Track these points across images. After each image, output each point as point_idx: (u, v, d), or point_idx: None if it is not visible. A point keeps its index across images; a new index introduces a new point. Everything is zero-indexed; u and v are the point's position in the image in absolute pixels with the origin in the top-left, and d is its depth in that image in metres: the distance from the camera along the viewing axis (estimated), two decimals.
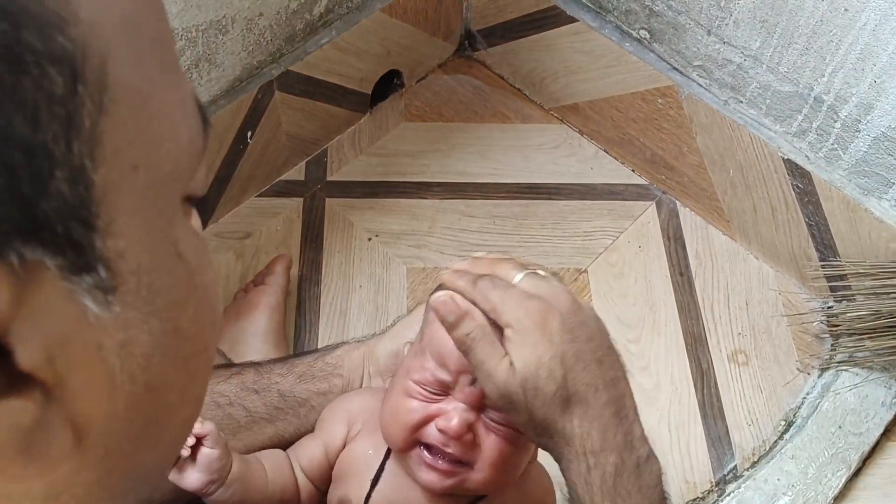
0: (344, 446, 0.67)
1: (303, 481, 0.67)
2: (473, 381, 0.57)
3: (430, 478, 0.60)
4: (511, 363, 0.52)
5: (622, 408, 0.54)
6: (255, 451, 0.67)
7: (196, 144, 0.26)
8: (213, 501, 0.61)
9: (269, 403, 0.69)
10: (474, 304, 0.55)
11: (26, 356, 0.21)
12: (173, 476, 0.59)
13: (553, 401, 0.52)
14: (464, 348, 0.54)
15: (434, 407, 0.59)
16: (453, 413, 0.58)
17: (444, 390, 0.59)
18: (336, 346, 0.75)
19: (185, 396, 0.28)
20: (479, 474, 0.59)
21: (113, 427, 0.25)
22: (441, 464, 0.59)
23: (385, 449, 0.65)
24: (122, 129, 0.22)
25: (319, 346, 1.00)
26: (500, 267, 0.57)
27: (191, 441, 0.58)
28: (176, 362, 0.26)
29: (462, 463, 0.59)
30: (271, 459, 0.66)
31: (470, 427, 0.58)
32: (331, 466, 0.67)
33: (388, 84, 1.23)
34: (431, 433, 0.59)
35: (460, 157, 1.20)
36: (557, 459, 0.55)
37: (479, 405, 0.58)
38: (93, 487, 0.25)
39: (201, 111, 0.27)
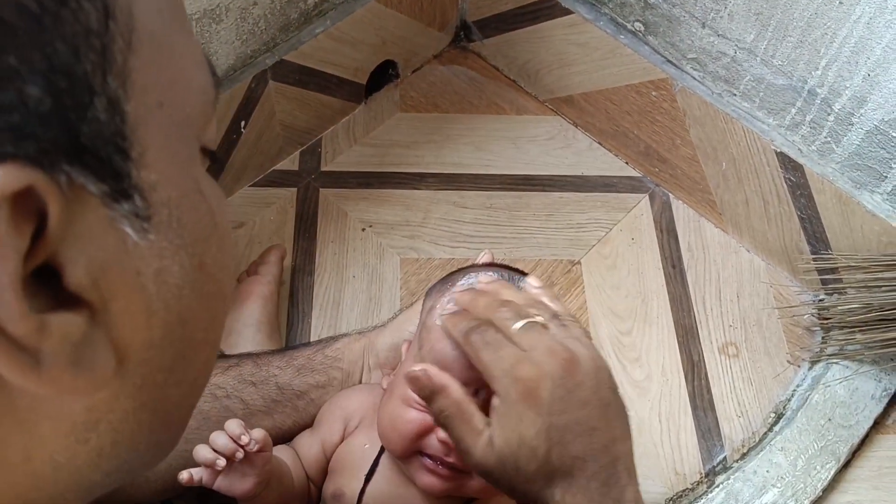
0: (341, 441, 0.67)
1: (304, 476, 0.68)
2: (476, 393, 0.55)
3: (430, 482, 0.60)
4: (491, 439, 0.49)
5: (612, 475, 0.50)
6: None
7: (208, 94, 0.28)
8: (249, 500, 0.61)
9: (266, 396, 0.69)
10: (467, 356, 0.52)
11: (74, 277, 0.23)
12: (222, 484, 0.58)
13: (534, 477, 0.49)
14: (439, 423, 0.52)
15: (431, 418, 0.58)
16: None
17: None
18: (335, 339, 0.74)
19: (207, 336, 0.30)
20: (477, 482, 0.59)
21: (149, 355, 0.27)
22: (442, 469, 0.59)
23: (381, 444, 0.65)
24: (147, 68, 0.24)
25: (312, 336, 1.00)
26: (498, 311, 0.53)
27: (241, 444, 0.57)
28: (201, 298, 0.28)
29: (462, 471, 0.59)
30: (287, 454, 0.67)
31: None
32: (327, 462, 0.68)
33: (383, 74, 1.23)
34: (432, 444, 0.59)
35: (455, 148, 1.20)
36: None
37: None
38: (128, 418, 0.27)
39: (210, 66, 0.29)
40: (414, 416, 0.59)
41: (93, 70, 0.23)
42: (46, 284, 0.23)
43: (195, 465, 0.60)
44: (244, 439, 0.56)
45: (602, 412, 0.50)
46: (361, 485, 0.64)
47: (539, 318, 0.53)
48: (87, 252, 0.23)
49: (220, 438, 0.56)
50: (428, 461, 0.60)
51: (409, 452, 0.60)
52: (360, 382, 0.72)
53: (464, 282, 0.64)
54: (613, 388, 0.53)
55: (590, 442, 0.49)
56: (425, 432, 0.59)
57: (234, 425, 0.57)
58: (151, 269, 0.25)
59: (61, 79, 0.22)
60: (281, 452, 0.67)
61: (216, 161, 0.28)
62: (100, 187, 0.23)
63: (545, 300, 0.57)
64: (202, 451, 0.57)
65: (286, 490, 0.64)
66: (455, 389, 0.51)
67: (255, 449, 0.57)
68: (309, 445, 0.67)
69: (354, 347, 0.73)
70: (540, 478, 0.49)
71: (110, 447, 0.27)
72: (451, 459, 0.58)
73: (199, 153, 0.28)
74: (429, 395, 0.52)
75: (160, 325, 0.26)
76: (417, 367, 0.52)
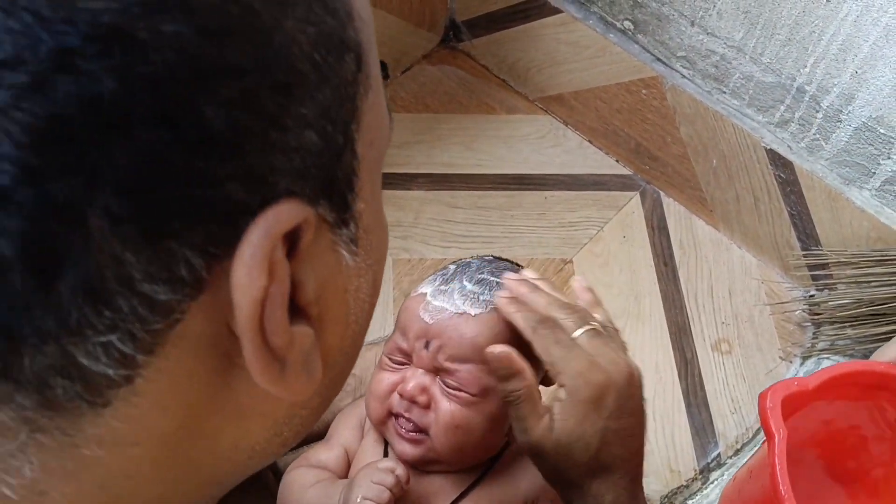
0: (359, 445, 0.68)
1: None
2: (427, 345, 0.60)
3: (401, 448, 0.62)
4: (551, 423, 0.54)
5: (635, 476, 0.57)
6: None
7: (390, 130, 0.32)
8: None
9: None
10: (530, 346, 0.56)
11: (305, 293, 0.26)
12: None
13: (581, 467, 0.54)
14: (507, 400, 0.55)
15: (398, 375, 0.62)
16: (409, 377, 0.61)
17: (407, 357, 0.62)
18: None
19: (363, 341, 0.34)
20: (435, 440, 0.61)
21: (339, 360, 0.31)
22: (407, 432, 0.61)
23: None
24: (369, 111, 0.28)
25: None
26: (558, 313, 0.57)
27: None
28: (369, 309, 0.32)
29: (422, 430, 0.61)
30: (317, 474, 0.68)
31: (424, 389, 0.60)
32: (349, 466, 0.69)
33: None
34: (395, 400, 0.61)
35: (445, 148, 1.20)
36: (566, 502, 0.57)
37: (433, 369, 0.60)
38: (313, 412, 0.32)
39: (389, 107, 0.32)
40: (384, 376, 0.62)
41: (346, 116, 0.26)
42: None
43: None
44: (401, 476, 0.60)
45: (641, 421, 0.57)
46: None
47: (597, 325, 0.57)
48: (315, 271, 0.26)
49: (388, 478, 0.59)
50: (396, 425, 0.62)
51: (383, 415, 0.62)
52: None
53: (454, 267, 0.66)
54: (644, 399, 0.58)
55: (629, 445, 0.55)
56: (392, 389, 0.62)
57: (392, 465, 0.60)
58: (353, 287, 0.29)
59: (329, 125, 0.25)
60: (310, 474, 0.67)
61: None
62: (333, 217, 0.27)
63: (593, 306, 0.61)
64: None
65: None
66: (530, 374, 0.55)
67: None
68: (331, 456, 0.68)
69: (367, 356, 0.74)
70: (585, 469, 0.54)
71: (293, 439, 0.32)
72: (408, 415, 0.61)
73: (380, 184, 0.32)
74: (506, 375, 0.55)
75: (350, 335, 0.31)
76: (500, 348, 0.55)
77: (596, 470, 0.54)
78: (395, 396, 0.61)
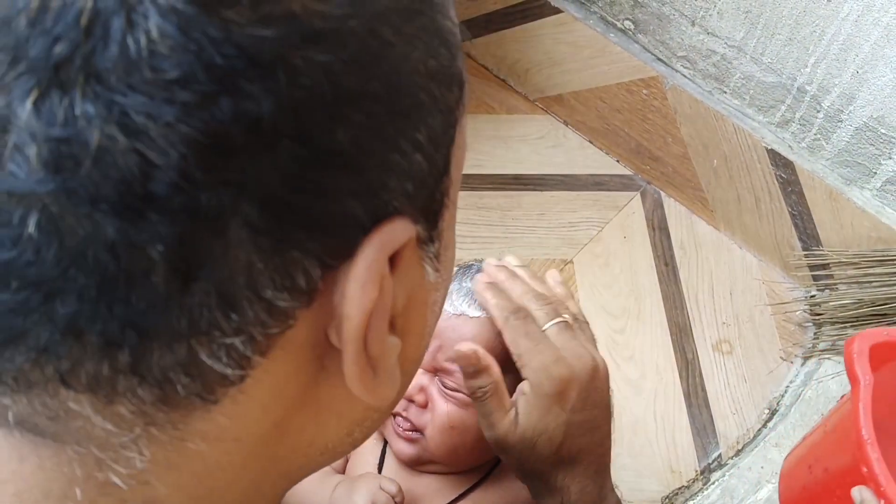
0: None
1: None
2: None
3: (398, 446, 0.62)
4: (516, 418, 0.55)
5: (601, 466, 0.58)
6: None
7: (465, 151, 0.33)
8: None
9: None
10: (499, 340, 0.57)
11: (395, 306, 0.27)
12: None
13: (545, 460, 0.55)
14: (474, 396, 0.56)
15: None
16: None
17: None
18: None
19: (426, 350, 0.36)
20: (430, 440, 0.61)
21: (410, 369, 0.33)
22: (403, 431, 0.62)
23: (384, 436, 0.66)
24: (459, 136, 0.29)
25: None
26: (532, 304, 0.59)
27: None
28: (436, 321, 0.34)
29: (417, 430, 0.62)
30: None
31: (422, 389, 0.61)
32: (345, 463, 0.69)
33: None
34: None
35: None
36: (535, 497, 0.58)
37: (432, 369, 0.61)
38: (382, 416, 0.34)
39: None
40: None
41: (448, 141, 0.28)
42: None
43: None
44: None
45: (604, 413, 0.58)
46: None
47: (567, 318, 0.59)
48: (404, 284, 0.28)
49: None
50: (394, 423, 0.62)
51: None
52: None
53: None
54: (609, 390, 0.60)
55: (592, 437, 0.57)
56: None
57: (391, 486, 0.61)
58: (431, 300, 0.31)
59: (434, 150, 0.26)
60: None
61: None
62: (425, 234, 0.28)
63: (565, 299, 0.63)
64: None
65: None
66: (497, 371, 0.56)
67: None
68: None
69: None
70: (549, 461, 0.55)
71: (361, 439, 0.33)
72: (405, 414, 0.61)
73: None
74: (473, 372, 0.56)
75: (424, 346, 0.33)
76: (466, 345, 0.56)
77: (561, 462, 0.56)
78: None
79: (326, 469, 0.66)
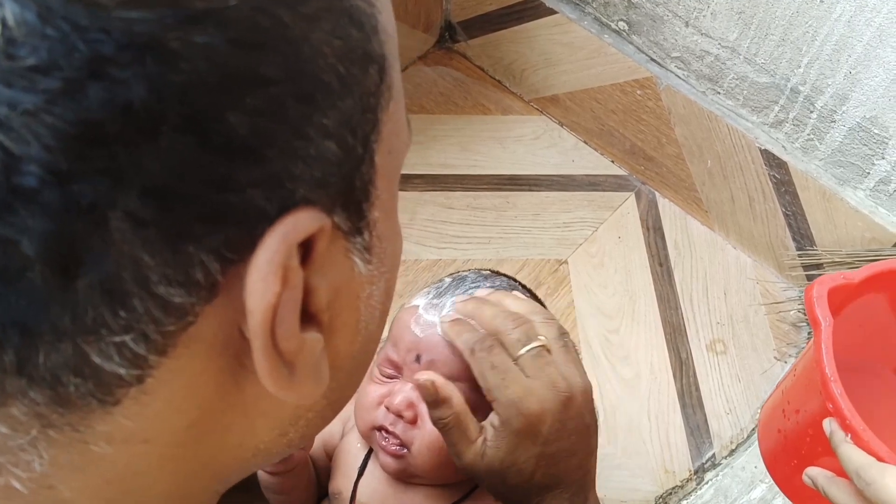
0: (339, 442, 0.68)
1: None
2: (417, 359, 0.59)
3: (384, 460, 0.61)
4: (483, 448, 0.54)
5: (581, 486, 0.56)
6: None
7: (409, 139, 0.32)
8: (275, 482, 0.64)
9: None
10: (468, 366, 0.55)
11: (318, 300, 0.27)
12: None
13: (516, 489, 0.54)
14: (438, 427, 0.55)
15: (386, 388, 0.61)
16: (397, 391, 0.60)
17: (397, 370, 0.61)
18: None
19: (376, 347, 0.34)
20: (417, 457, 0.60)
21: (347, 365, 0.31)
22: (389, 445, 0.61)
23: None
24: (389, 121, 0.28)
25: None
26: (504, 328, 0.56)
27: None
28: (381, 316, 0.33)
29: (404, 445, 0.61)
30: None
31: (411, 405, 0.59)
32: (328, 460, 0.68)
33: None
34: (381, 412, 0.61)
35: (440, 149, 1.20)
36: None
37: None
38: (319, 415, 0.32)
39: (407, 116, 0.33)
40: (372, 388, 0.62)
41: (367, 127, 0.26)
42: None
43: None
44: None
45: (584, 438, 0.56)
46: (354, 481, 0.65)
47: (543, 340, 0.55)
48: (328, 278, 0.27)
49: None
50: (380, 438, 0.61)
51: (369, 427, 0.62)
52: None
53: (451, 281, 0.65)
54: (593, 410, 0.57)
55: (569, 463, 0.55)
56: (379, 402, 0.61)
57: None
58: (365, 294, 0.30)
59: (349, 135, 0.25)
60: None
61: None
62: (348, 225, 0.27)
63: (544, 318, 0.59)
64: None
65: (309, 479, 0.67)
66: (458, 401, 0.54)
67: None
68: (313, 451, 0.68)
69: None
70: (521, 490, 0.54)
71: (299, 440, 0.32)
72: (393, 429, 0.60)
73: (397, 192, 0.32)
74: (433, 402, 0.54)
75: (360, 341, 0.31)
76: (424, 376, 0.54)
77: (531, 490, 0.54)
78: (382, 409, 0.60)
79: None
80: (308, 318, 0.27)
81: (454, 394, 0.54)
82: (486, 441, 0.53)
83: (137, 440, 0.26)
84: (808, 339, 1.03)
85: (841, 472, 0.55)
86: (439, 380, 0.54)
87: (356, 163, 0.26)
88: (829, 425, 0.56)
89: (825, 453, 0.58)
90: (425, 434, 0.59)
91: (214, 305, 0.24)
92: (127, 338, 0.23)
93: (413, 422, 0.60)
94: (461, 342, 0.56)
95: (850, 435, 0.54)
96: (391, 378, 0.62)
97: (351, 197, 0.27)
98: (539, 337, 0.56)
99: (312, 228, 0.25)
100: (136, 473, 0.27)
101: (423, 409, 0.59)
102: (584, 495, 0.57)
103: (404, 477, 0.62)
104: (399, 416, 0.60)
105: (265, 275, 0.24)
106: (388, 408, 0.60)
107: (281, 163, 0.24)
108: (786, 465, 0.65)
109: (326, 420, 0.34)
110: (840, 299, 0.63)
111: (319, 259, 0.26)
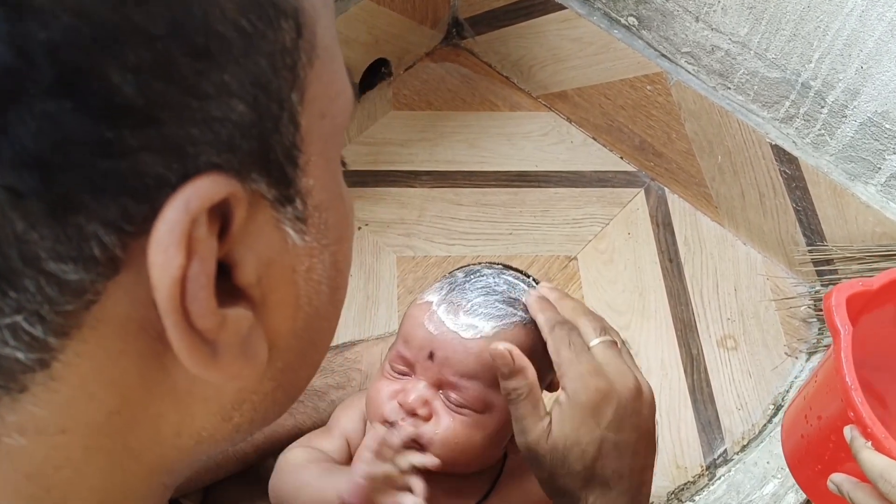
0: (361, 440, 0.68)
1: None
2: (431, 357, 0.59)
3: None
4: (549, 427, 0.53)
5: (638, 495, 0.55)
6: (275, 442, 0.68)
7: (351, 104, 0.30)
8: None
9: None
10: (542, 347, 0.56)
11: (244, 274, 0.25)
12: None
13: (576, 476, 0.53)
14: (508, 398, 0.55)
15: (399, 384, 0.61)
16: (411, 389, 0.60)
17: (410, 368, 0.61)
18: (354, 343, 0.75)
19: (330, 325, 0.32)
20: (431, 452, 0.59)
21: (291, 343, 0.29)
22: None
23: None
24: (318, 82, 0.26)
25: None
26: (581, 319, 0.57)
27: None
28: (331, 293, 0.31)
29: (418, 442, 0.60)
30: (315, 455, 0.68)
31: (426, 403, 0.59)
32: (351, 457, 0.68)
33: (376, 73, 1.22)
34: (392, 408, 0.60)
35: (448, 146, 1.19)
36: None
37: (437, 383, 0.59)
38: (267, 397, 0.30)
39: (351, 77, 0.31)
40: (384, 384, 0.61)
41: (284, 85, 0.24)
42: (218, 280, 0.24)
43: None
44: None
45: (646, 441, 0.55)
46: None
47: (615, 339, 0.57)
48: (255, 250, 0.25)
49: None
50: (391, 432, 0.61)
51: (380, 422, 0.61)
52: None
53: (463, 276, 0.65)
54: (655, 422, 0.57)
55: (630, 462, 0.54)
56: (391, 398, 0.61)
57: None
58: (303, 267, 0.28)
59: (261, 94, 0.23)
60: (306, 453, 0.67)
61: (345, 166, 0.32)
62: (272, 193, 0.25)
63: (616, 340, 0.60)
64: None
65: None
66: (532, 373, 0.54)
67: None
68: (337, 447, 0.68)
69: (373, 350, 0.74)
70: (580, 479, 0.53)
71: (248, 424, 0.30)
72: (405, 424, 0.59)
73: (340, 161, 0.30)
74: (508, 372, 0.54)
75: (303, 317, 0.29)
76: (503, 345, 0.54)
77: (592, 481, 0.53)
78: (394, 404, 0.60)
79: (321, 458, 0.65)
80: (236, 293, 0.26)
81: (529, 365, 0.54)
82: (552, 418, 0.53)
83: (53, 430, 0.24)
84: (819, 334, 1.03)
85: (864, 477, 0.55)
86: (516, 350, 0.54)
87: (272, 124, 0.24)
88: (850, 432, 0.57)
89: (848, 459, 0.58)
90: (441, 431, 0.59)
91: (120, 283, 0.23)
92: (19, 318, 0.22)
93: (428, 419, 0.59)
94: (544, 318, 0.56)
95: (871, 442, 0.55)
96: (403, 375, 0.61)
97: (270, 162, 0.25)
98: (612, 334, 0.57)
99: (219, 195, 0.23)
100: (58, 467, 0.25)
101: (437, 406, 0.59)
102: None
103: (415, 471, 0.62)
104: (413, 414, 0.59)
105: (166, 246, 0.22)
106: (401, 405, 0.59)
107: (177, 125, 0.22)
108: (810, 470, 0.65)
109: (279, 404, 0.32)
110: (859, 306, 0.63)
111: (240, 230, 0.24)
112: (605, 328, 0.57)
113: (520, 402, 0.54)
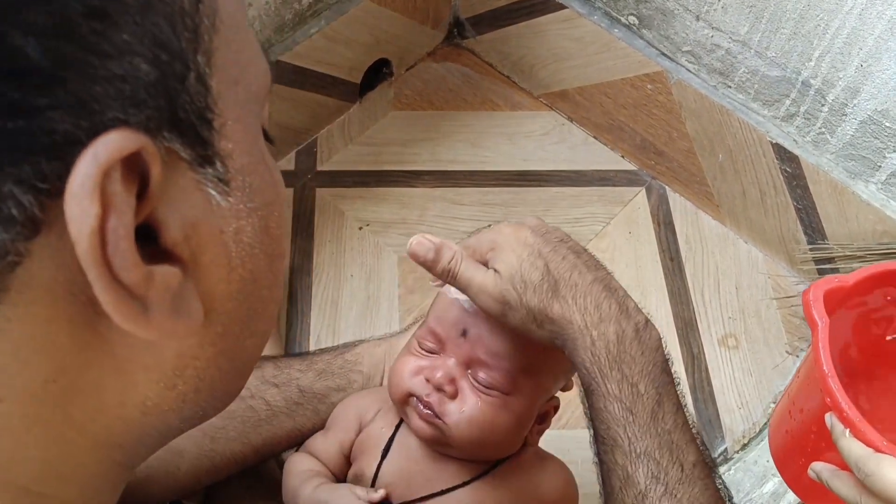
0: (357, 436, 0.68)
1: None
2: (464, 334, 0.60)
3: (417, 425, 0.62)
4: (496, 271, 0.55)
5: (610, 284, 0.56)
6: (275, 444, 0.69)
7: (268, 76, 0.31)
8: None
9: (288, 398, 0.69)
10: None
11: (170, 234, 0.26)
12: None
13: (542, 287, 0.54)
14: (450, 276, 0.56)
15: (427, 361, 0.62)
16: (440, 365, 0.61)
17: (440, 346, 0.62)
18: (356, 344, 0.75)
19: (271, 293, 0.33)
20: (455, 430, 0.60)
21: (229, 307, 0.30)
22: (423, 411, 0.61)
23: (395, 424, 0.66)
24: (225, 48, 0.27)
25: (312, 336, 1.01)
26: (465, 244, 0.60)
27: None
28: (266, 259, 0.31)
29: (439, 416, 0.61)
30: (310, 463, 0.69)
31: (453, 381, 0.60)
32: (345, 459, 0.69)
33: (377, 73, 1.23)
34: (418, 382, 0.62)
35: (450, 145, 1.20)
36: (563, 346, 0.55)
37: (468, 361, 0.60)
38: (210, 364, 0.31)
39: (265, 53, 0.31)
40: (412, 360, 0.63)
41: (187, 46, 0.26)
42: (146, 242, 0.25)
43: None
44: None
45: (581, 248, 0.58)
46: (378, 462, 0.65)
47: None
48: (180, 211, 0.26)
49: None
50: (417, 404, 0.62)
51: (404, 396, 0.63)
52: (381, 386, 0.73)
53: None
54: (572, 244, 0.60)
55: (579, 260, 0.56)
56: (418, 373, 0.62)
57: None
58: (231, 228, 0.29)
59: (163, 53, 0.25)
60: (304, 461, 0.67)
61: (271, 141, 0.33)
62: (189, 153, 0.26)
63: None
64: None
65: None
66: (454, 244, 0.57)
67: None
68: (326, 450, 0.68)
69: (375, 352, 0.74)
70: (546, 286, 0.54)
71: (193, 393, 0.31)
72: (428, 398, 0.61)
73: (261, 130, 0.31)
74: (434, 255, 0.56)
75: (237, 280, 0.30)
76: (414, 237, 0.57)
77: (558, 284, 0.54)
78: (420, 379, 0.61)
79: (318, 469, 0.66)
80: (164, 254, 0.26)
81: (446, 241, 0.57)
82: (493, 266, 0.56)
83: None
84: None
85: (844, 465, 0.56)
86: (427, 236, 0.57)
87: (178, 83, 0.25)
88: (830, 419, 0.58)
89: (828, 448, 0.59)
90: (466, 409, 0.60)
91: (44, 245, 0.23)
92: None
93: (454, 397, 0.61)
94: (428, 241, 0.58)
95: (848, 430, 0.55)
96: (431, 353, 0.62)
97: (182, 121, 0.26)
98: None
99: (128, 149, 0.23)
100: None
101: (464, 385, 0.60)
102: (622, 292, 0.57)
103: (437, 445, 0.63)
104: (440, 389, 0.60)
105: (80, 199, 0.23)
106: (428, 380, 0.61)
107: (81, 84, 0.23)
108: (794, 464, 0.66)
109: (224, 371, 0.32)
110: (836, 301, 0.65)
111: (160, 188, 0.25)
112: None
113: (460, 268, 0.56)
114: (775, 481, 0.91)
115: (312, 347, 1.00)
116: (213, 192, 0.27)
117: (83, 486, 0.29)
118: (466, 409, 0.60)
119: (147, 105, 0.24)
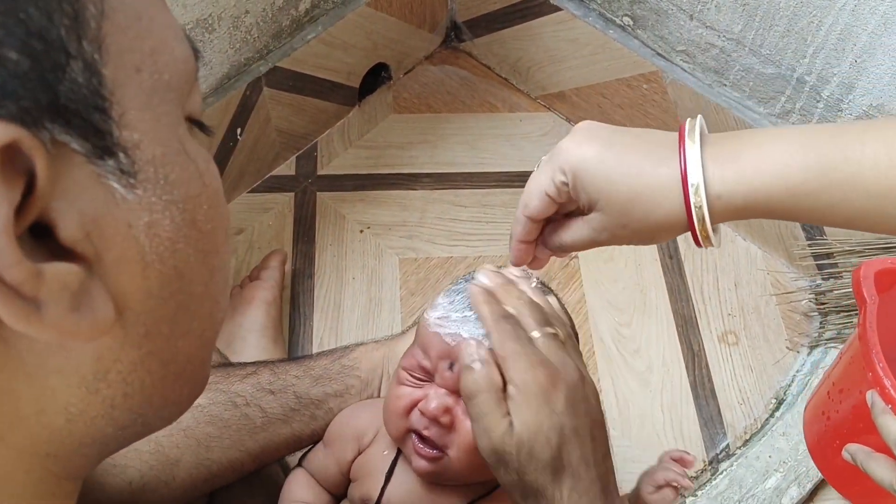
0: (355, 458, 0.68)
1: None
2: (451, 366, 0.59)
3: (419, 464, 0.61)
4: (511, 423, 0.52)
5: (608, 484, 0.55)
6: (272, 451, 0.68)
7: (189, 63, 0.30)
8: None
9: (285, 405, 0.69)
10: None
11: (66, 231, 0.25)
12: None
13: (546, 468, 0.52)
14: (468, 394, 0.54)
15: (419, 392, 0.61)
16: (433, 396, 0.60)
17: (428, 376, 0.61)
18: (353, 349, 0.75)
19: (207, 290, 0.31)
20: (454, 460, 0.60)
21: (149, 305, 0.28)
22: (425, 449, 0.61)
23: (396, 448, 0.66)
24: (121, 34, 0.26)
25: (314, 338, 1.01)
26: (524, 310, 0.57)
27: None
28: (197, 254, 0.30)
29: (440, 448, 0.61)
30: (305, 481, 0.70)
31: (447, 410, 0.60)
32: (344, 477, 0.68)
33: (376, 77, 1.24)
34: (415, 417, 0.61)
35: (449, 148, 1.20)
36: None
37: (458, 390, 0.59)
38: (136, 368, 0.29)
39: (189, 40, 0.31)
40: (403, 392, 0.62)
41: (67, 34, 0.24)
42: (42, 241, 0.25)
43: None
44: None
45: (599, 427, 0.56)
46: (381, 486, 0.65)
47: (557, 331, 0.57)
48: (76, 206, 0.25)
49: None
50: (416, 442, 0.62)
51: (402, 431, 0.62)
52: (380, 390, 0.72)
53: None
54: (602, 413, 0.57)
55: (592, 449, 0.54)
56: (412, 406, 0.61)
57: None
58: (142, 223, 0.27)
59: (37, 42, 0.23)
60: (299, 481, 0.68)
61: (207, 131, 0.32)
62: (83, 145, 0.25)
63: (560, 332, 0.60)
64: None
65: None
66: (495, 369, 0.54)
67: None
68: (325, 466, 0.69)
69: (374, 356, 0.73)
70: (550, 470, 0.52)
71: (122, 398, 0.29)
72: (428, 433, 0.60)
73: (184, 120, 0.30)
74: (471, 364, 0.54)
75: (156, 277, 0.28)
76: (473, 340, 0.55)
77: (561, 471, 0.52)
78: (416, 413, 0.61)
79: (317, 490, 0.66)
80: (63, 252, 0.25)
81: (491, 360, 0.54)
82: (510, 414, 0.53)
83: None
84: (821, 328, 1.03)
85: (881, 448, 0.55)
86: (485, 344, 0.55)
87: (56, 73, 0.24)
88: (871, 397, 0.56)
89: (866, 430, 0.57)
90: (463, 437, 0.59)
91: None
92: None
93: (450, 426, 0.60)
94: (488, 310, 0.56)
95: (890, 406, 0.54)
96: (421, 381, 0.62)
97: (68, 111, 0.24)
98: (554, 327, 0.57)
99: (0, 140, 0.22)
100: None
101: (458, 412, 0.60)
102: (613, 497, 0.55)
103: (437, 479, 0.63)
104: (435, 421, 0.60)
105: None
106: (423, 412, 0.60)
107: None
108: (828, 447, 0.64)
109: (157, 375, 0.30)
110: (886, 282, 0.64)
111: (50, 183, 0.24)
112: (547, 320, 0.57)
113: (480, 397, 0.53)
114: (777, 476, 0.91)
115: (315, 349, 1.01)
116: (117, 185, 0.26)
117: (14, 498, 0.28)
118: (463, 437, 0.59)
119: (20, 95, 0.23)
